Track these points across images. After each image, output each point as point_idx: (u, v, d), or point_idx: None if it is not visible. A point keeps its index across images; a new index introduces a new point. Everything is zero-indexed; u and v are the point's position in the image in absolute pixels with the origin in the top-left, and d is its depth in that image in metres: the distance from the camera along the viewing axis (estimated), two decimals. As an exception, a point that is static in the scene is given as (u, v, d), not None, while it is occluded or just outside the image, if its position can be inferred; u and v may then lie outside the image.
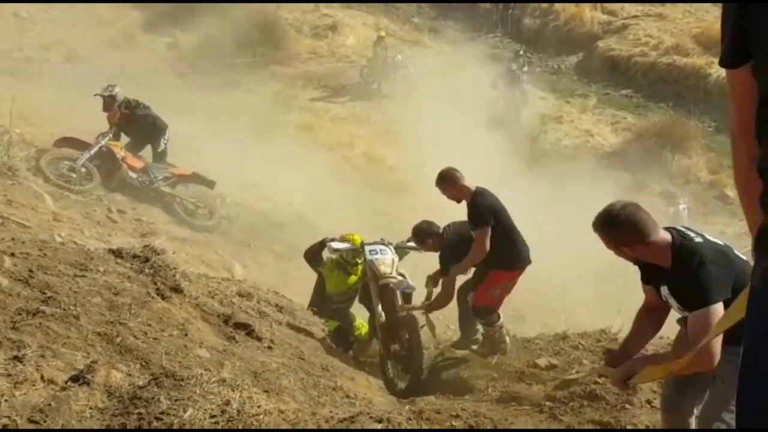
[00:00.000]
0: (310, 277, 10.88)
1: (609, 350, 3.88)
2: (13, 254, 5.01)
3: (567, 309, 11.56)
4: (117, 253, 5.84)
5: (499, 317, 6.94)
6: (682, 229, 3.73)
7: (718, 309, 3.33)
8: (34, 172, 11.02)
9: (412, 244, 7.58)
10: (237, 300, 6.54)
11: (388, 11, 25.73)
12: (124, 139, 12.87)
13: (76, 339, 4.04)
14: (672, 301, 3.68)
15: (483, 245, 6.61)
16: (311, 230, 12.86)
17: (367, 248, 7.39)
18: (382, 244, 7.47)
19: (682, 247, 3.55)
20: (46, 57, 19.17)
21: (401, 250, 7.74)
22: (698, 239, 3.61)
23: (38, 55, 18.79)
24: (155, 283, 5.44)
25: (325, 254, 7.98)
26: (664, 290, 3.69)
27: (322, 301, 8.08)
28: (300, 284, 10.30)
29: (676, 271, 3.55)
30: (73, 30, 21.13)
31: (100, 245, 7.44)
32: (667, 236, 3.61)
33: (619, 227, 3.61)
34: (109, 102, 12.55)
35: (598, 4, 25.69)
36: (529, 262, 6.90)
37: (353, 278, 7.90)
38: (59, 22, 20.94)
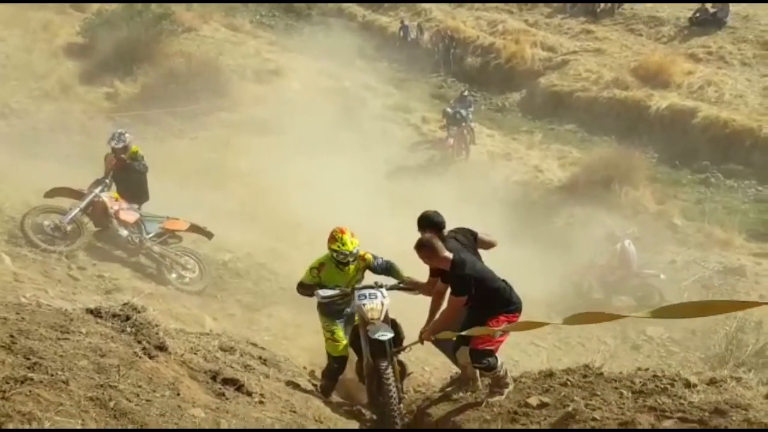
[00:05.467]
0: (280, 325, 10.72)
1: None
2: (-11, 320, 4.79)
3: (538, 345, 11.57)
4: (96, 313, 5.65)
5: (497, 359, 6.76)
6: None
7: None
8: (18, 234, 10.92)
9: (403, 285, 7.46)
10: (220, 355, 6.38)
11: (331, 55, 25.71)
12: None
13: (69, 405, 3.87)
14: None
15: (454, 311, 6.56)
16: (273, 277, 12.69)
17: (356, 293, 7.26)
18: (373, 288, 7.34)
19: None
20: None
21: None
22: None
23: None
24: (140, 342, 5.27)
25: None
26: None
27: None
28: (272, 333, 10.12)
29: None
30: (6, 83, 20.71)
31: (66, 305, 7.16)
32: None
33: None
34: (120, 151, 11.79)
35: (538, 41, 26.34)
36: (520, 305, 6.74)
37: (349, 273, 7.55)
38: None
